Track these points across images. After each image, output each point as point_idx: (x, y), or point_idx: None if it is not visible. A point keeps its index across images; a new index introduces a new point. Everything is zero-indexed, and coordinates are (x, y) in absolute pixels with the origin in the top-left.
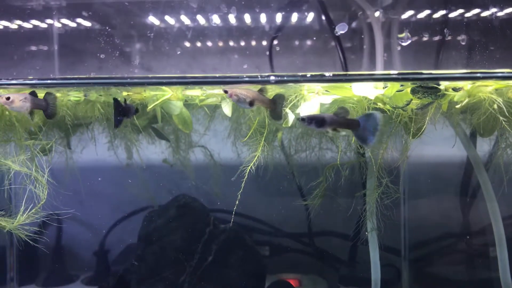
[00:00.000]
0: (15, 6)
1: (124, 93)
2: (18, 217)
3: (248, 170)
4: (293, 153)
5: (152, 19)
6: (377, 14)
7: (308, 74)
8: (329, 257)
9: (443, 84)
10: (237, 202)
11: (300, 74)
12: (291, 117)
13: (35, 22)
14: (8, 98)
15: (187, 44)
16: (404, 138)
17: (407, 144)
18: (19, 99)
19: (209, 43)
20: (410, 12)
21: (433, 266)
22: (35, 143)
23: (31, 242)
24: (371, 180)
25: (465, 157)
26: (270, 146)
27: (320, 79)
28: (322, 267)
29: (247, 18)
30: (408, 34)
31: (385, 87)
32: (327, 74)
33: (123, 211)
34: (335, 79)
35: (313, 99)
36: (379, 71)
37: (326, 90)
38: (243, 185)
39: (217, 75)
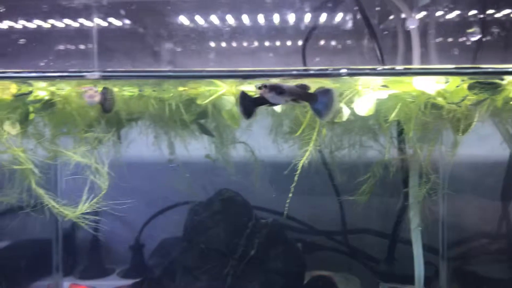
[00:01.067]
0: (56, 5)
1: (180, 88)
2: (80, 207)
3: (300, 166)
4: (333, 150)
5: (183, 19)
6: (413, 14)
7: (379, 67)
8: (362, 254)
9: (507, 79)
10: (288, 200)
11: (370, 67)
12: (346, 112)
13: (71, 21)
14: (96, 92)
15: (223, 44)
16: (452, 135)
17: (456, 141)
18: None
19: (244, 43)
20: (447, 10)
21: (471, 264)
22: (94, 136)
23: (87, 233)
24: (414, 177)
25: (507, 156)
26: (314, 143)
27: (390, 72)
28: (355, 264)
29: (278, 17)
30: (478, 29)
31: (446, 82)
32: (398, 67)
33: (160, 205)
34: (404, 73)
35: (368, 94)
36: (444, 65)
37: (382, 85)
38: (295, 180)
39: (278, 68)
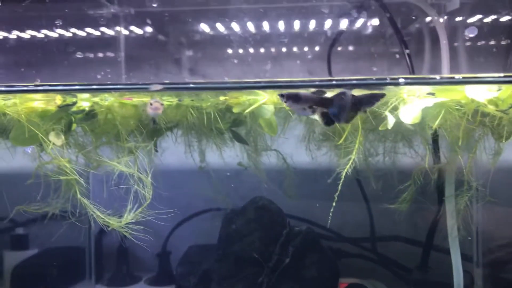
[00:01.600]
0: (82, 14)
1: (222, 98)
2: (125, 216)
3: (344, 173)
4: (367, 157)
5: (204, 27)
6: (441, 19)
7: (438, 77)
8: (391, 262)
9: None
10: (332, 208)
11: (429, 76)
12: (391, 120)
13: (98, 30)
14: (161, 104)
15: (241, 51)
16: (495, 142)
17: (500, 148)
18: None
19: (266, 50)
20: (476, 16)
21: (507, 272)
22: (137, 146)
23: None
24: (451, 185)
25: None
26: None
27: (449, 81)
28: (383, 272)
29: (303, 24)
30: None
31: (498, 90)
32: (457, 76)
33: (188, 213)
34: (463, 81)
35: (414, 102)
36: (497, 74)
37: (428, 93)
38: (339, 188)
39: (337, 78)
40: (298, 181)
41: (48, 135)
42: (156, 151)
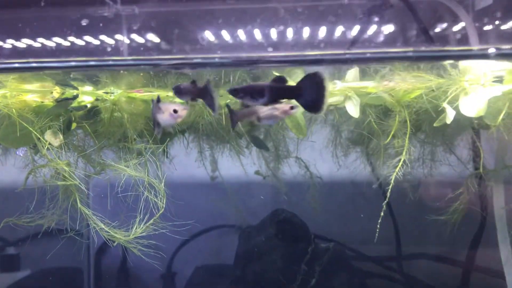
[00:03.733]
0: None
1: None
2: (134, 230)
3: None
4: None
5: (208, 34)
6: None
7: None
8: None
9: None
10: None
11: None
12: (450, 113)
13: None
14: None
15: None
16: None
17: None
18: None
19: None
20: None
21: None
22: (147, 147)
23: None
24: (500, 194)
25: None
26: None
27: None
28: None
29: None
30: None
31: None
32: None
33: (195, 229)
34: None
35: (477, 91)
36: None
37: (494, 81)
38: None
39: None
40: (323, 191)
41: (43, 134)
42: (167, 157)
